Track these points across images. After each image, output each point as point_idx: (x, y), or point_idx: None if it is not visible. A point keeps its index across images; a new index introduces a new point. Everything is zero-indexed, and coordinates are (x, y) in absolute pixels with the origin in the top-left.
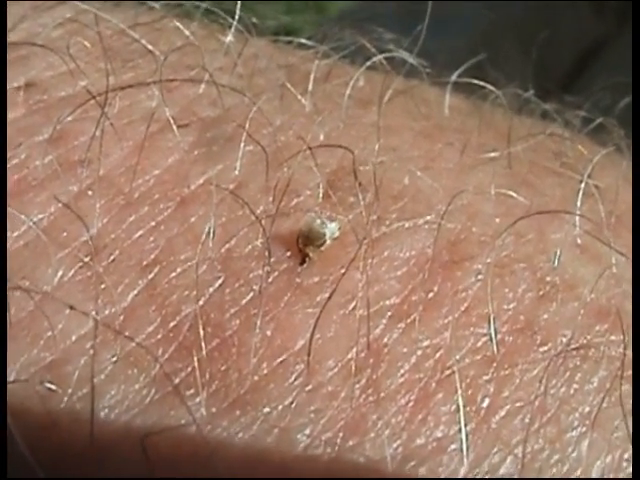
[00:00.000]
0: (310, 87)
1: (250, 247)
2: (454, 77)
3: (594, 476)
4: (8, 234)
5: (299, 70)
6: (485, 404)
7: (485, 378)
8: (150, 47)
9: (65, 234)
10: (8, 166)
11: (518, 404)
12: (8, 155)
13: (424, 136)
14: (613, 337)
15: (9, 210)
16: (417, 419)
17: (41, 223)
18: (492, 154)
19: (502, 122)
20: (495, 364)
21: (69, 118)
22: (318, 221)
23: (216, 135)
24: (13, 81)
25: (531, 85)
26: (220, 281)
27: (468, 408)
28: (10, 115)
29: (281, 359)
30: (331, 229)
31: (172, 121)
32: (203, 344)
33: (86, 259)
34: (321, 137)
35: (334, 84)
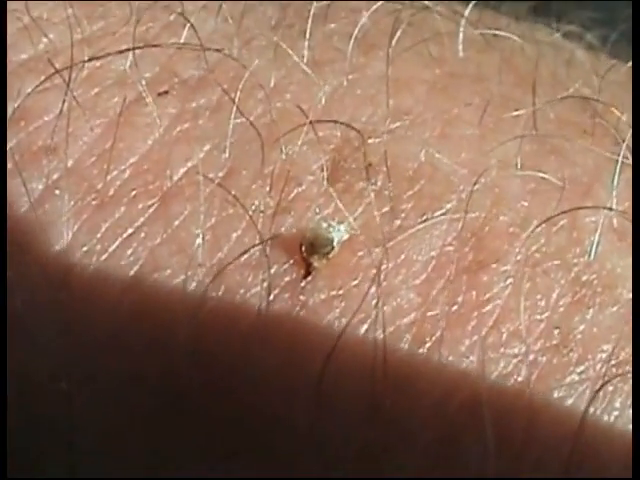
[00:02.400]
0: (308, 30)
1: (246, 256)
2: (467, 11)
3: None
4: None
5: (293, 4)
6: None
7: (517, 410)
8: None
9: (28, 257)
10: None
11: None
12: None
13: (438, 90)
14: None
15: None
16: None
17: None
18: (515, 113)
19: (522, 61)
20: (528, 391)
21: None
22: (324, 225)
23: (201, 105)
24: None
25: None
26: (213, 303)
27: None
28: None
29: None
30: (339, 233)
31: (147, 93)
32: None
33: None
34: (323, 101)
35: (334, 25)
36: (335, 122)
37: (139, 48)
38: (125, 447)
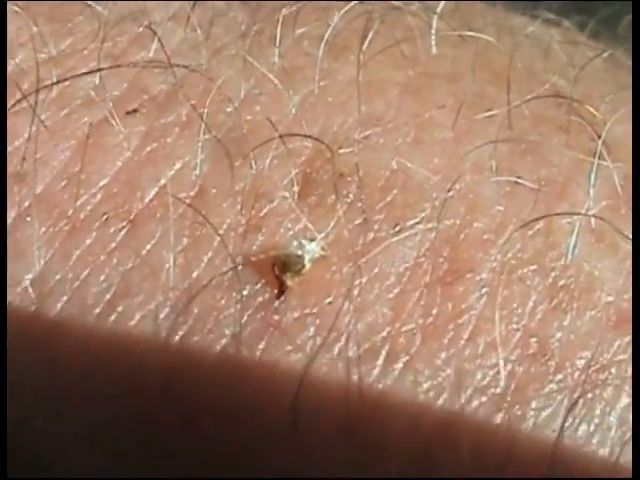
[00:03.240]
0: (278, 37)
1: (219, 278)
2: (440, 8)
3: None
4: None
5: (264, 6)
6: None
7: (495, 423)
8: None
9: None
10: None
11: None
12: None
13: (411, 93)
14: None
15: None
16: None
17: None
18: (488, 113)
19: (497, 55)
20: (506, 404)
21: None
22: (295, 243)
23: (170, 122)
24: None
25: None
26: (186, 328)
27: None
28: None
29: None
30: (311, 251)
31: (114, 113)
32: None
33: (30, 311)
34: (293, 111)
35: (305, 29)
36: (304, 136)
37: (104, 70)
38: None
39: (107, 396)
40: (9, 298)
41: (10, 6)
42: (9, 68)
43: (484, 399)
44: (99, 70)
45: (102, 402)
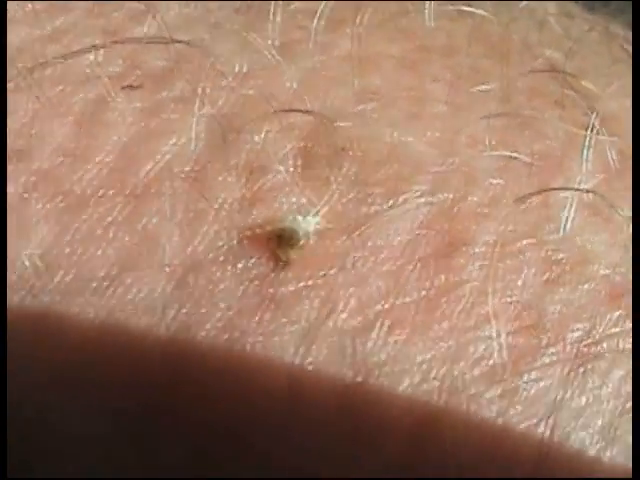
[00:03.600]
0: (272, 10)
1: (214, 251)
2: None
3: None
4: None
5: None
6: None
7: (488, 396)
8: None
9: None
10: None
11: (527, 423)
12: None
13: (407, 67)
14: (629, 324)
15: None
16: None
17: None
18: (484, 87)
19: (493, 27)
20: (498, 377)
21: None
22: (291, 217)
23: (166, 97)
24: None
25: None
26: (181, 301)
27: None
28: None
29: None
30: (307, 224)
31: (111, 88)
32: None
33: (27, 287)
34: (294, 86)
35: (297, 4)
36: (299, 111)
37: (102, 47)
38: None
39: (103, 373)
40: (8, 276)
41: None
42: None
43: (478, 372)
44: (96, 47)
45: (97, 381)
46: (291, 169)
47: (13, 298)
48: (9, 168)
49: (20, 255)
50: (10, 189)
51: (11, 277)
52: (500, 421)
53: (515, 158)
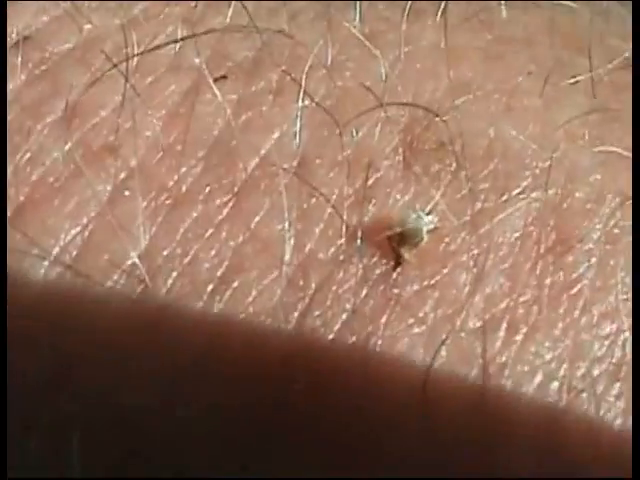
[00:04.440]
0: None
1: (333, 249)
2: None
3: None
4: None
5: None
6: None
7: (614, 393)
8: None
9: (107, 256)
10: (22, 160)
11: None
12: (18, 144)
13: (494, 59)
14: None
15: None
16: None
17: (74, 242)
18: (572, 80)
19: (563, 19)
20: (622, 374)
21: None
22: (413, 216)
23: (261, 89)
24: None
25: None
26: (305, 303)
27: None
28: (10, 84)
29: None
30: (426, 221)
31: (206, 79)
32: None
33: (139, 290)
34: (384, 78)
35: None
36: (407, 104)
37: (194, 36)
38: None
39: (222, 379)
40: (114, 277)
41: None
42: (84, 33)
43: (601, 369)
44: (190, 37)
45: (217, 385)
46: (400, 165)
47: (118, 302)
48: (102, 163)
49: (127, 254)
50: (107, 187)
51: (119, 279)
52: (620, 421)
53: (614, 152)
